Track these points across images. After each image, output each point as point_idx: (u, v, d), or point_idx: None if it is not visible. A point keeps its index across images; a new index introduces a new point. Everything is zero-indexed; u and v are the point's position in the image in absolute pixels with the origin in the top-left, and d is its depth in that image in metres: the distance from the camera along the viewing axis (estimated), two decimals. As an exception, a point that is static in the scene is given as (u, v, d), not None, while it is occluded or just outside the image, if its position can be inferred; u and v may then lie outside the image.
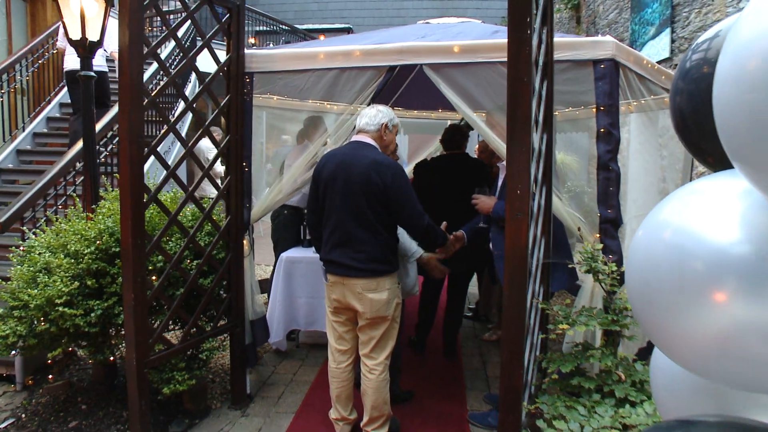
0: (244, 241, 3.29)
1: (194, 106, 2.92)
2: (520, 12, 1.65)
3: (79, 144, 3.90)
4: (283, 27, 13.43)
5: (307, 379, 3.91)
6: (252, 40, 12.98)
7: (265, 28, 13.17)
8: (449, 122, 7.24)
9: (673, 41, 6.35)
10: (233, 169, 3.18)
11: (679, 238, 0.76)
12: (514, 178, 1.75)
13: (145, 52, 2.47)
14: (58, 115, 7.01)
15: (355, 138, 2.82)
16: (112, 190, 3.37)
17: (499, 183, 3.33)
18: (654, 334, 0.82)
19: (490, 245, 3.32)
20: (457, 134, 4.18)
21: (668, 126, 6.06)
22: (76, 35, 3.09)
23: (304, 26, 16.28)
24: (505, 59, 2.77)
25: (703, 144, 0.95)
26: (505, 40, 2.83)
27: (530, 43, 1.71)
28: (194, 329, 3.02)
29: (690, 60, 0.99)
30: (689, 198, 0.84)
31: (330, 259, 2.78)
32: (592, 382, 2.12)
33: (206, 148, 7.92)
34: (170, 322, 2.90)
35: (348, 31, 18.20)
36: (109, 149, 5.04)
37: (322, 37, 17.51)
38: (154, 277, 2.82)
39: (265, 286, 5.46)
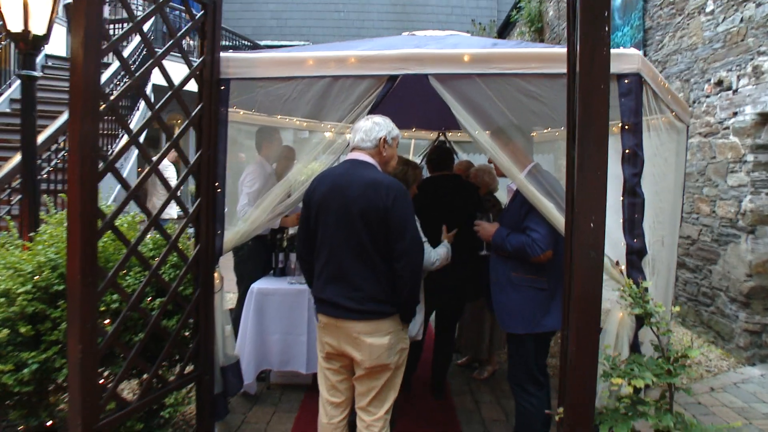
0: (215, 274, 2.82)
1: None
2: (597, 5, 1.35)
3: (17, 156, 3.31)
4: (245, 42, 12.96)
5: (283, 428, 3.42)
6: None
7: (225, 42, 12.65)
8: (412, 141, 7.01)
9: (647, 65, 6.41)
10: (204, 191, 2.72)
11: None
12: (585, 208, 1.43)
13: (104, 47, 2.02)
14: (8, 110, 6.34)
15: (349, 156, 2.44)
16: (56, 212, 2.83)
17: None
18: None
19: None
20: (446, 154, 3.88)
21: (650, 146, 5.84)
22: (17, 27, 2.57)
23: (263, 42, 15.87)
24: (522, 71, 2.54)
25: None
26: (520, 50, 2.60)
27: (607, 42, 1.41)
28: (155, 380, 2.51)
29: None
30: None
31: (322, 297, 2.37)
32: (651, 447, 1.79)
33: (162, 165, 7.32)
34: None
35: (307, 49, 17.90)
36: (53, 164, 4.40)
37: (281, 55, 17.14)
38: (107, 321, 2.31)
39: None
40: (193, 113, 2.64)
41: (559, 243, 2.65)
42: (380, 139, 2.40)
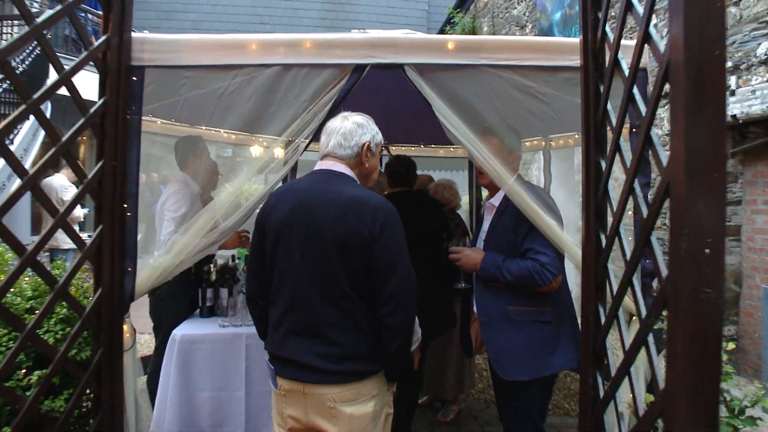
0: (124, 326, 2.10)
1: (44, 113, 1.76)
2: None
3: None
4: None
5: None
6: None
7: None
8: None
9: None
10: (108, 214, 2.02)
11: None
12: (698, 230, 0.96)
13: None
14: None
15: (320, 166, 1.86)
16: None
17: (485, 227, 2.52)
18: None
19: (474, 308, 2.50)
20: (408, 166, 3.37)
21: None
22: None
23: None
24: (516, 63, 2.11)
25: None
26: (514, 39, 2.17)
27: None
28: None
29: None
30: None
31: (283, 355, 1.75)
32: None
33: (60, 186, 6.23)
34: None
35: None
36: None
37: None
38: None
39: (144, 363, 4.11)
40: (93, 109, 1.95)
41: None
42: (364, 145, 1.83)
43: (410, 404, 3.40)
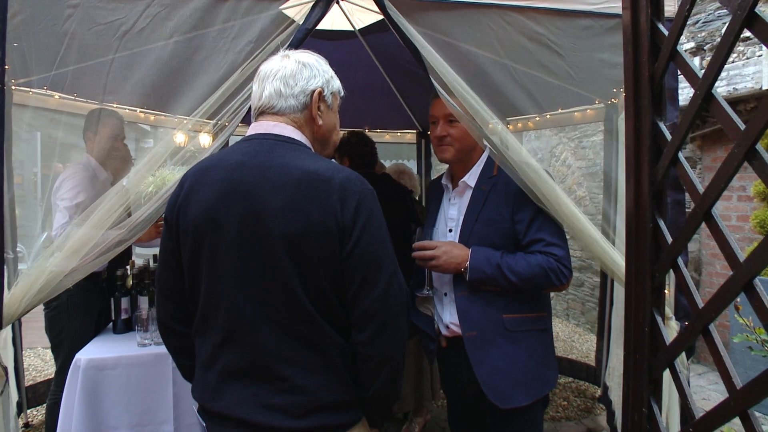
0: (-12, 366, 1.46)
1: None
2: None
3: None
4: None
5: None
6: None
7: None
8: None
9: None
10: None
11: None
12: None
13: None
14: None
15: (255, 129, 1.27)
16: None
17: (450, 214, 1.94)
18: None
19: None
20: (368, 145, 2.85)
21: (536, 148, 5.43)
22: None
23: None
24: (524, 4, 1.67)
25: None
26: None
27: None
28: None
29: None
30: None
31: (218, 410, 1.19)
32: None
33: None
34: None
35: None
36: None
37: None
38: None
39: (43, 389, 3.43)
40: None
41: None
42: (314, 93, 1.26)
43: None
